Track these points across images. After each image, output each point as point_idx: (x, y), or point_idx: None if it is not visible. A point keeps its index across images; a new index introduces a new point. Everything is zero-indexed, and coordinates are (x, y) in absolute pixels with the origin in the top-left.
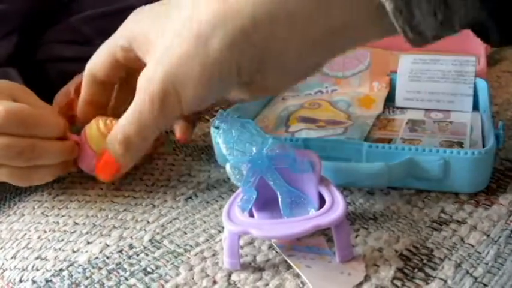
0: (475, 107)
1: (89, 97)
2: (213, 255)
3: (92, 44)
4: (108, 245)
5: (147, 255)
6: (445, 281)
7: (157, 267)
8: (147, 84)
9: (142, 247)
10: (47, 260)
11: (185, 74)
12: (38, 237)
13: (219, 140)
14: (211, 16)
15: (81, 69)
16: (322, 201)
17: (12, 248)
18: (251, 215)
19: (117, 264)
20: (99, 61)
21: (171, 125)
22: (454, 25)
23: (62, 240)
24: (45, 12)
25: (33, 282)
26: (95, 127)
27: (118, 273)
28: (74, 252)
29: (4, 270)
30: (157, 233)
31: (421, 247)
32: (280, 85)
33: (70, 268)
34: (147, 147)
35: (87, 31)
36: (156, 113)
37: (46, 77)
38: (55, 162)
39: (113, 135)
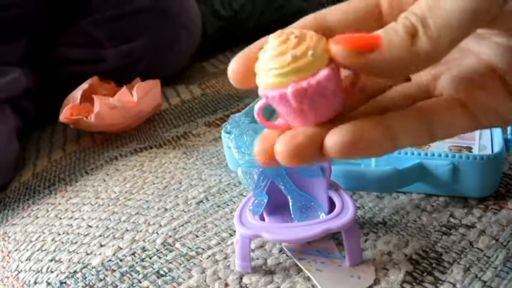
0: None
1: None
2: (225, 258)
3: (102, 46)
4: (121, 248)
5: (159, 258)
6: (454, 285)
7: (170, 270)
8: None
9: (154, 250)
10: (61, 262)
11: None
12: (52, 240)
13: (231, 145)
14: None
15: (91, 71)
16: (332, 205)
17: (27, 250)
18: (262, 219)
19: (130, 267)
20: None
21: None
22: None
23: (76, 242)
24: (55, 16)
25: (48, 284)
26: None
27: (131, 275)
28: (87, 254)
29: (19, 272)
30: (170, 236)
31: (430, 251)
32: None
33: (84, 270)
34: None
35: (97, 34)
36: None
37: (57, 79)
38: None
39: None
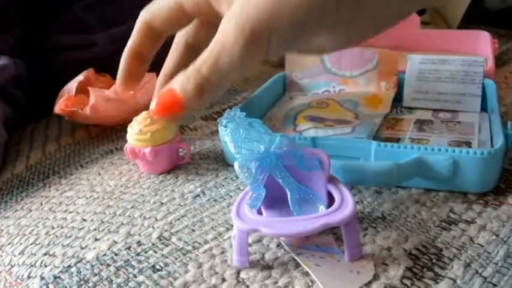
0: (483, 107)
1: (136, 48)
2: (222, 252)
3: (93, 31)
4: (116, 242)
5: (155, 252)
6: (455, 281)
7: (166, 265)
8: (235, 20)
9: (150, 244)
10: (55, 256)
11: (280, 9)
12: (46, 233)
13: (227, 139)
14: None
15: (83, 57)
16: (331, 199)
17: (20, 244)
18: (259, 213)
19: (125, 261)
20: (160, 9)
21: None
22: None
23: (70, 236)
24: (46, 3)
25: (42, 278)
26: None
27: (126, 270)
28: (82, 248)
29: (12, 266)
30: (166, 230)
31: (430, 246)
32: (368, 31)
33: (78, 265)
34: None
35: (88, 19)
36: (243, 51)
37: (51, 67)
38: None
39: (186, 74)
